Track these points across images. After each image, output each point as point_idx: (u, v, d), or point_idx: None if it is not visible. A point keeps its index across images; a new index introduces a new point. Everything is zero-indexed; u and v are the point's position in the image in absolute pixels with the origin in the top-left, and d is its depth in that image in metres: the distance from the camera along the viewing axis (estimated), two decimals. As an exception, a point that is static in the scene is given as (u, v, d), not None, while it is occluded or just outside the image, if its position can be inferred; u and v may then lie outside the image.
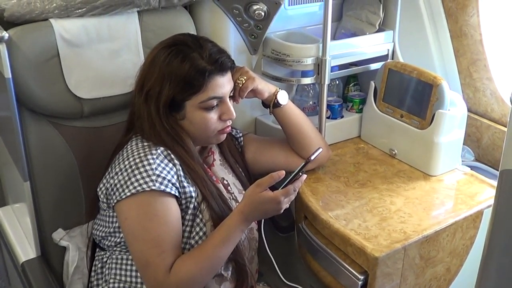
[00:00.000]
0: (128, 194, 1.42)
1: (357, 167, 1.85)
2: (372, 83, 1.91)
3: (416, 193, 1.70)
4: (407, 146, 1.84)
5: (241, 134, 1.77)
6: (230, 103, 1.54)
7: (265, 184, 1.41)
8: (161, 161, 1.46)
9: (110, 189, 1.47)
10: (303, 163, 1.42)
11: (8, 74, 1.50)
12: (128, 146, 1.51)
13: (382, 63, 1.90)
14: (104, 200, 1.51)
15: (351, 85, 2.07)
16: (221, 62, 1.48)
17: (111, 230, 1.53)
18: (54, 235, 1.69)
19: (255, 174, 1.76)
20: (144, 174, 1.42)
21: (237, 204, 1.61)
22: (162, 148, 1.48)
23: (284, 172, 1.40)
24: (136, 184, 1.42)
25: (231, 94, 1.56)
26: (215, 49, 1.51)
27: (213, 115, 1.51)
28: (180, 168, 1.49)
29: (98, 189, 1.53)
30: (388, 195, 1.69)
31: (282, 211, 1.44)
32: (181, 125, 1.52)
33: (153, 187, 1.41)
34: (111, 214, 1.52)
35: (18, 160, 1.61)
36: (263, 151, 1.76)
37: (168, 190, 1.43)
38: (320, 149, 1.48)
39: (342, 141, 2.00)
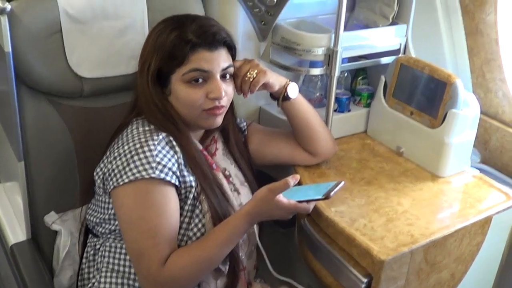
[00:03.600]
0: (126, 180, 1.35)
1: (363, 164, 1.79)
2: (383, 78, 1.85)
3: (423, 195, 1.65)
4: (416, 145, 1.78)
5: (244, 124, 1.70)
6: (221, 83, 1.44)
7: (279, 190, 1.35)
8: (162, 148, 1.39)
9: (107, 174, 1.40)
10: (322, 198, 1.37)
11: (8, 47, 1.43)
12: (129, 130, 1.44)
13: (394, 57, 1.84)
14: (101, 185, 1.44)
15: (359, 78, 2.00)
16: (210, 36, 1.41)
17: (106, 217, 1.46)
18: (46, 218, 1.62)
19: (257, 165, 1.71)
20: (144, 161, 1.35)
21: (239, 196, 1.56)
22: (164, 134, 1.41)
23: (298, 176, 1.37)
24: (135, 170, 1.35)
25: (226, 76, 1.47)
26: (208, 23, 1.45)
27: (197, 91, 1.42)
28: (181, 156, 1.43)
29: (95, 173, 1.46)
30: (395, 195, 1.64)
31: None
32: (170, 101, 1.46)
33: (153, 175, 1.34)
34: (106, 200, 1.45)
35: (13, 138, 1.54)
36: (268, 143, 1.70)
37: (168, 178, 1.37)
38: (342, 183, 1.41)
39: (347, 135, 1.94)
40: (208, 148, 1.59)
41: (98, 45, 1.58)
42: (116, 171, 1.37)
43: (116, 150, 1.41)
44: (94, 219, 1.49)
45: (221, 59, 1.44)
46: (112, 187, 1.38)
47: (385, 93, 1.85)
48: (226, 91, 1.46)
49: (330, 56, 1.71)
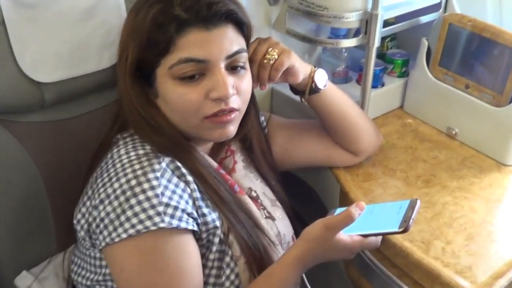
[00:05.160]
0: (124, 236, 0.94)
1: (411, 154, 1.43)
2: (425, 41, 1.46)
3: (495, 192, 1.31)
4: (473, 126, 1.43)
5: (263, 119, 1.29)
6: (226, 75, 1.01)
7: (340, 227, 0.98)
8: (169, 181, 0.98)
9: (94, 225, 0.99)
10: (400, 231, 0.99)
11: None
12: (115, 155, 1.01)
13: (435, 14, 1.45)
14: (86, 238, 1.03)
15: (387, 40, 1.60)
16: (203, 7, 0.97)
17: (100, 277, 1.05)
18: (17, 281, 1.18)
19: (283, 170, 1.32)
20: (146, 205, 0.94)
21: (274, 223, 1.18)
22: (167, 160, 1.00)
23: (364, 204, 1.00)
24: (135, 221, 0.94)
25: (237, 68, 1.04)
26: None
27: (193, 90, 1.00)
28: (195, 187, 1.02)
29: (74, 221, 1.04)
30: (463, 197, 1.29)
31: None
32: (158, 106, 1.04)
33: (161, 224, 0.94)
34: (97, 255, 1.04)
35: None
36: (296, 143, 1.30)
37: (183, 225, 0.97)
38: (419, 204, 1.01)
39: (382, 114, 1.57)
40: (224, 163, 1.19)
41: (57, 35, 1.13)
42: (106, 221, 0.96)
43: (103, 189, 0.98)
44: (84, 281, 1.08)
45: (225, 41, 1.00)
46: (103, 244, 0.97)
47: (429, 61, 1.46)
48: (238, 87, 1.03)
49: (367, 21, 1.30)
